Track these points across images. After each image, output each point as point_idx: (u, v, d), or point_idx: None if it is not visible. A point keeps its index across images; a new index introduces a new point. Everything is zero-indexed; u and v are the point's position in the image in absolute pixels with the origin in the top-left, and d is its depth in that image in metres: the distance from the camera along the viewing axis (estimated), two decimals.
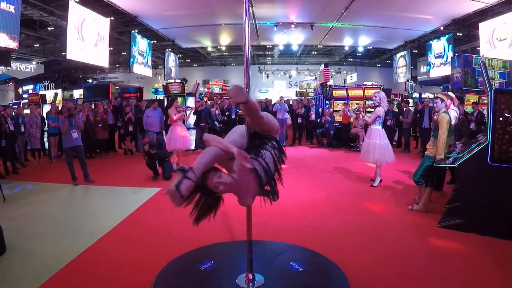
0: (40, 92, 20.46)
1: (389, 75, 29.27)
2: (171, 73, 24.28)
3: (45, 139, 12.44)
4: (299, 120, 14.87)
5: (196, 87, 14.69)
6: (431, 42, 21.52)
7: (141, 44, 20.59)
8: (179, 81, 14.55)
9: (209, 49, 26.47)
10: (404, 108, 13.56)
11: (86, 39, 15.58)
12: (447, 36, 19.84)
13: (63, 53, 18.38)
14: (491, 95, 5.16)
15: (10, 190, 8.06)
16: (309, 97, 21.16)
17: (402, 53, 25.68)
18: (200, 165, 3.03)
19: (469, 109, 11.54)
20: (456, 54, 18.30)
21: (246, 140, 3.34)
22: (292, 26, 19.26)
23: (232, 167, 3.19)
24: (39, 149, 11.63)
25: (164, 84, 15.17)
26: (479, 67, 12.42)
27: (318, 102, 16.79)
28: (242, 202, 3.30)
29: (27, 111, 12.57)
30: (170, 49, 24.59)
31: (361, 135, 12.33)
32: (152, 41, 22.27)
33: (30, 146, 11.49)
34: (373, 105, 8.44)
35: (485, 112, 10.66)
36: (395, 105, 15.21)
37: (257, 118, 3.18)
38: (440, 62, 20.98)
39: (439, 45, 20.91)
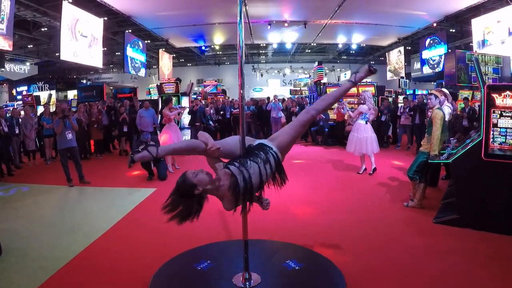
0: (34, 93, 20.45)
1: (382, 72, 29.31)
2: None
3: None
4: (293, 119, 14.86)
5: (190, 86, 14.68)
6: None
7: (135, 44, 20.53)
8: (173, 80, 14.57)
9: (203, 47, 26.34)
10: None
11: (80, 39, 15.52)
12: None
13: (56, 54, 18.34)
14: (484, 90, 5.19)
15: (5, 192, 8.04)
16: (303, 95, 21.20)
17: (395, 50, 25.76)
18: (168, 147, 3.27)
19: (460, 104, 11.57)
20: (449, 50, 18.35)
21: (240, 147, 3.35)
22: (286, 24, 19.26)
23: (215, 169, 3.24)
24: (33, 151, 11.58)
25: (158, 84, 15.16)
26: (472, 63, 12.44)
27: (312, 100, 16.81)
28: (223, 206, 3.29)
29: (23, 112, 12.55)
30: (164, 49, 24.52)
31: None
32: (146, 41, 22.20)
33: (24, 147, 11.43)
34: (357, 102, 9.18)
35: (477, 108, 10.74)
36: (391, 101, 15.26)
37: None
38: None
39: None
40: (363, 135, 8.58)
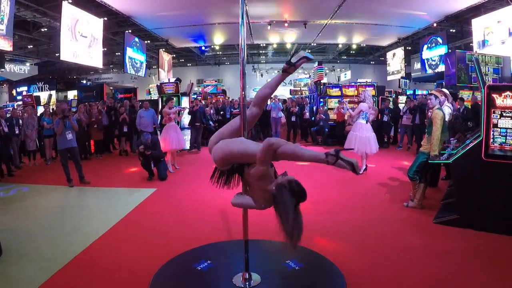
0: (34, 94, 20.44)
1: (383, 72, 29.35)
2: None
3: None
4: (293, 119, 14.89)
5: (190, 87, 14.66)
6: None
7: (135, 44, 20.53)
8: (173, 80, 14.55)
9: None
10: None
11: (80, 40, 15.52)
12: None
13: (56, 54, 18.34)
14: (484, 91, 5.19)
15: (5, 193, 8.03)
16: (303, 95, 21.19)
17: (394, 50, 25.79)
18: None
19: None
20: (449, 51, 18.35)
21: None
22: (286, 24, 19.26)
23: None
24: (34, 151, 11.58)
25: (158, 84, 15.15)
26: (473, 63, 12.43)
27: (312, 100, 16.80)
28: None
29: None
30: (163, 49, 24.53)
31: None
32: (146, 41, 22.21)
33: (24, 148, 11.43)
34: (357, 100, 9.31)
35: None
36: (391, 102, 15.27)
37: None
38: None
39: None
40: (365, 134, 8.66)
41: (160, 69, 23.82)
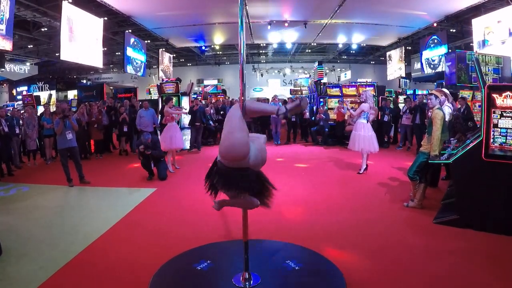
0: (34, 94, 20.44)
1: (383, 72, 29.35)
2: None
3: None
4: (293, 118, 14.89)
5: (191, 86, 14.66)
6: None
7: (135, 44, 20.52)
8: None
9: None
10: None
11: (80, 39, 15.52)
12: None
13: (56, 54, 18.34)
14: (484, 91, 5.19)
15: (5, 193, 8.03)
16: (303, 95, 21.21)
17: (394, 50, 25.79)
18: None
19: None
20: (450, 50, 18.34)
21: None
22: (286, 24, 19.25)
23: None
24: (34, 151, 11.58)
25: (158, 84, 15.15)
26: (473, 63, 12.42)
27: (312, 100, 16.80)
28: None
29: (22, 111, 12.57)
30: (164, 49, 24.53)
31: None
32: (146, 41, 22.20)
33: (24, 147, 11.44)
34: (359, 101, 9.42)
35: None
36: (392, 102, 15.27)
37: None
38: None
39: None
40: (368, 133, 8.73)
41: (160, 71, 23.86)
